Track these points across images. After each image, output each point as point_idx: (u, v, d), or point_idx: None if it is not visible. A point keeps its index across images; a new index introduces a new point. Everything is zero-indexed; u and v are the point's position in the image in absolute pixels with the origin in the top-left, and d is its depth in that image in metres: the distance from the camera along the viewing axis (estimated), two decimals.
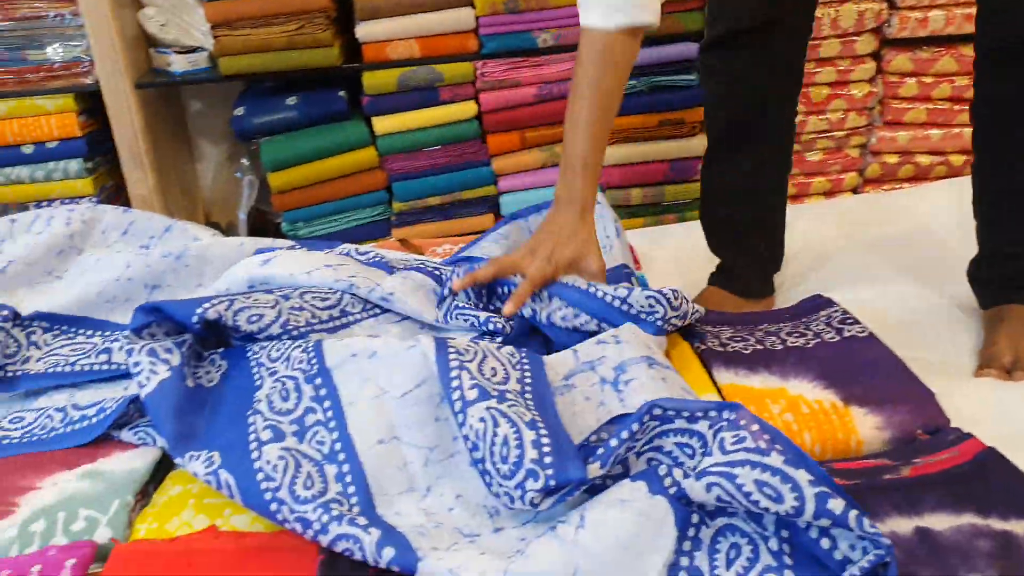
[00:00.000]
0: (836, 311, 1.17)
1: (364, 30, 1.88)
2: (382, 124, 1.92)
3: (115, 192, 1.97)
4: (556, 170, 1.95)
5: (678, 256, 1.60)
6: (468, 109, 1.93)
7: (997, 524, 0.76)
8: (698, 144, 1.95)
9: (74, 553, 0.84)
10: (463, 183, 1.98)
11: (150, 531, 0.89)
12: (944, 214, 1.66)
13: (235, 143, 2.20)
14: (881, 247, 1.53)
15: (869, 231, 1.61)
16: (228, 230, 2.25)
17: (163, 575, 0.81)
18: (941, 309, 1.29)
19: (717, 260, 1.45)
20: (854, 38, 1.91)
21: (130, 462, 1.02)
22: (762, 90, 1.24)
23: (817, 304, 1.21)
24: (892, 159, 1.98)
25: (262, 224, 2.23)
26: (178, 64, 1.92)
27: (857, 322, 1.13)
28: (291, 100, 1.90)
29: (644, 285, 1.41)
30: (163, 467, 1.04)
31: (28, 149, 1.88)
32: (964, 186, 1.70)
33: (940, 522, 0.77)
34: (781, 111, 1.28)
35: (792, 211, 1.77)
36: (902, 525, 0.77)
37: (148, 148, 1.89)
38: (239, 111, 1.91)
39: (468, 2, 1.88)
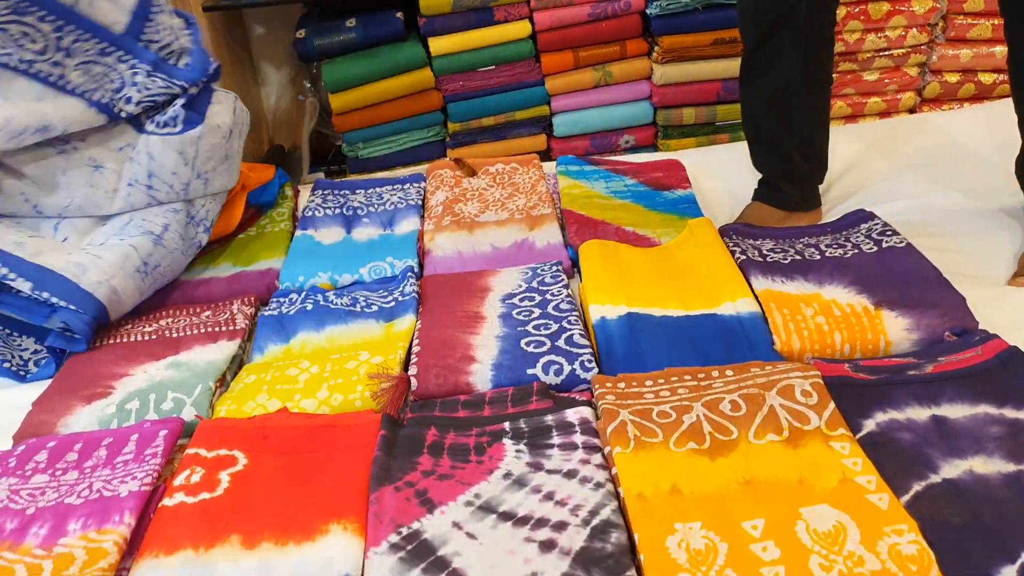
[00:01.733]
0: (876, 223, 1.19)
1: None
2: (438, 45, 1.95)
3: None
4: (608, 90, 1.98)
5: (728, 174, 1.62)
6: (522, 28, 1.95)
7: (1011, 413, 0.80)
8: None
9: (166, 425, 0.95)
10: (517, 103, 2.01)
11: (229, 412, 1.00)
12: (1002, 133, 1.64)
13: (297, 67, 2.26)
14: (932, 166, 1.53)
15: (922, 151, 1.60)
16: (291, 152, 2.33)
17: (242, 445, 0.91)
18: (985, 224, 1.30)
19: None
20: None
21: (209, 355, 1.13)
22: (789, 4, 1.24)
23: (859, 217, 1.23)
24: (953, 77, 1.93)
25: (323, 146, 2.30)
26: None
27: (896, 233, 1.15)
28: (350, 22, 1.94)
29: (692, 202, 1.45)
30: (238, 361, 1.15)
31: None
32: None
33: (956, 411, 0.82)
34: (812, 24, 1.27)
35: (845, 131, 1.77)
36: (920, 413, 0.82)
37: None
38: (300, 33, 1.96)
39: None
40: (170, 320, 1.23)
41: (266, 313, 1.21)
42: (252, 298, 1.27)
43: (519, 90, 2.01)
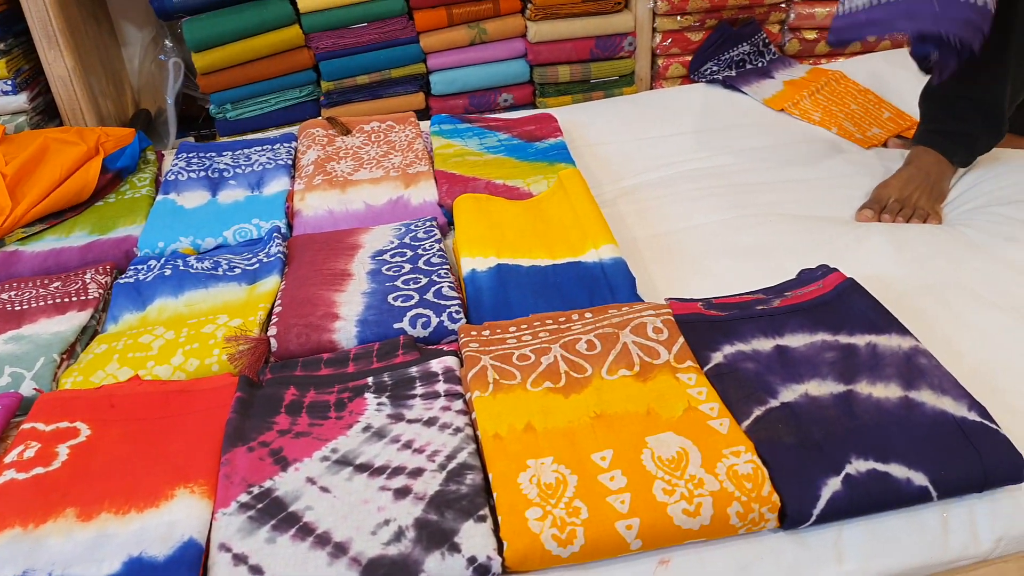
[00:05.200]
0: None
1: None
2: (306, 1, 1.88)
3: (32, 76, 1.91)
4: (484, 48, 1.96)
5: (601, 128, 1.64)
6: None
7: (844, 339, 0.84)
8: (622, 21, 1.94)
9: (0, 401, 0.89)
10: (392, 61, 1.96)
11: (75, 384, 0.94)
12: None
13: (160, 25, 2.14)
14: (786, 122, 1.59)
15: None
16: (158, 116, 2.21)
17: (85, 416, 0.86)
18: (852, 170, 1.36)
19: (633, 140, 1.46)
20: None
21: (56, 326, 1.06)
22: None
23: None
24: (810, 35, 2.00)
25: (193, 110, 2.19)
26: None
27: None
28: None
29: (562, 148, 1.45)
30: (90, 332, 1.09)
31: None
32: (875, 61, 1.77)
33: (797, 340, 0.85)
34: None
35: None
36: (765, 344, 0.85)
37: (63, 27, 1.82)
38: None
39: None
40: (13, 293, 1.15)
41: (122, 281, 1.15)
42: (108, 266, 1.20)
43: (393, 47, 1.95)
